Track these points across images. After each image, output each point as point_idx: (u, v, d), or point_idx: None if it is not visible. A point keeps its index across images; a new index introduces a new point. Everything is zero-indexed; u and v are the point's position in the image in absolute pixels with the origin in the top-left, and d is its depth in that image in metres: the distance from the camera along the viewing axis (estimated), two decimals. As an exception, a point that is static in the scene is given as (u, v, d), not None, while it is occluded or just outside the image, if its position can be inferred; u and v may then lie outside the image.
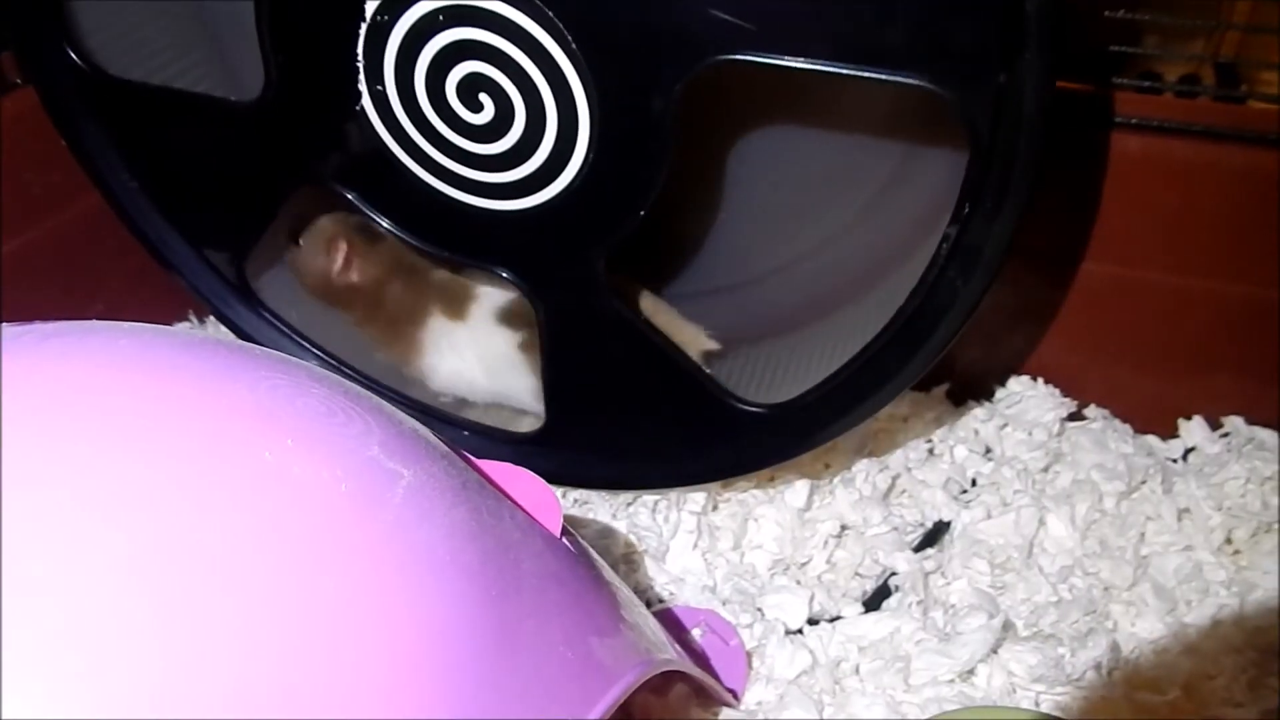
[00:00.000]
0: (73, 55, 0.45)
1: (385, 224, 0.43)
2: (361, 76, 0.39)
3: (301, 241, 0.49)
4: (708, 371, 0.44)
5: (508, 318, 0.48)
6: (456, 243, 0.43)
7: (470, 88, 0.38)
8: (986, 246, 0.36)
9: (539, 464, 0.46)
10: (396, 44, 0.38)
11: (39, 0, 0.45)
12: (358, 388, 0.27)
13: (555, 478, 0.48)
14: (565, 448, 0.47)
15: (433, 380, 0.50)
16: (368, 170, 0.42)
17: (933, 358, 0.39)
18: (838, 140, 0.47)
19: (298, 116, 0.42)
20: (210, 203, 0.49)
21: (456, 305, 0.48)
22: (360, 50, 0.39)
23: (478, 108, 0.38)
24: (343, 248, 0.48)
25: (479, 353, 0.49)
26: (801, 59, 0.33)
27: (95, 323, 0.24)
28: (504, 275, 0.43)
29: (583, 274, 0.41)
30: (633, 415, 0.46)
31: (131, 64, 0.47)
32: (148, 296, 0.57)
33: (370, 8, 0.38)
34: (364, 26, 0.38)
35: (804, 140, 0.47)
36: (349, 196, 0.43)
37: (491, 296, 0.48)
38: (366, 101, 0.40)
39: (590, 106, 0.36)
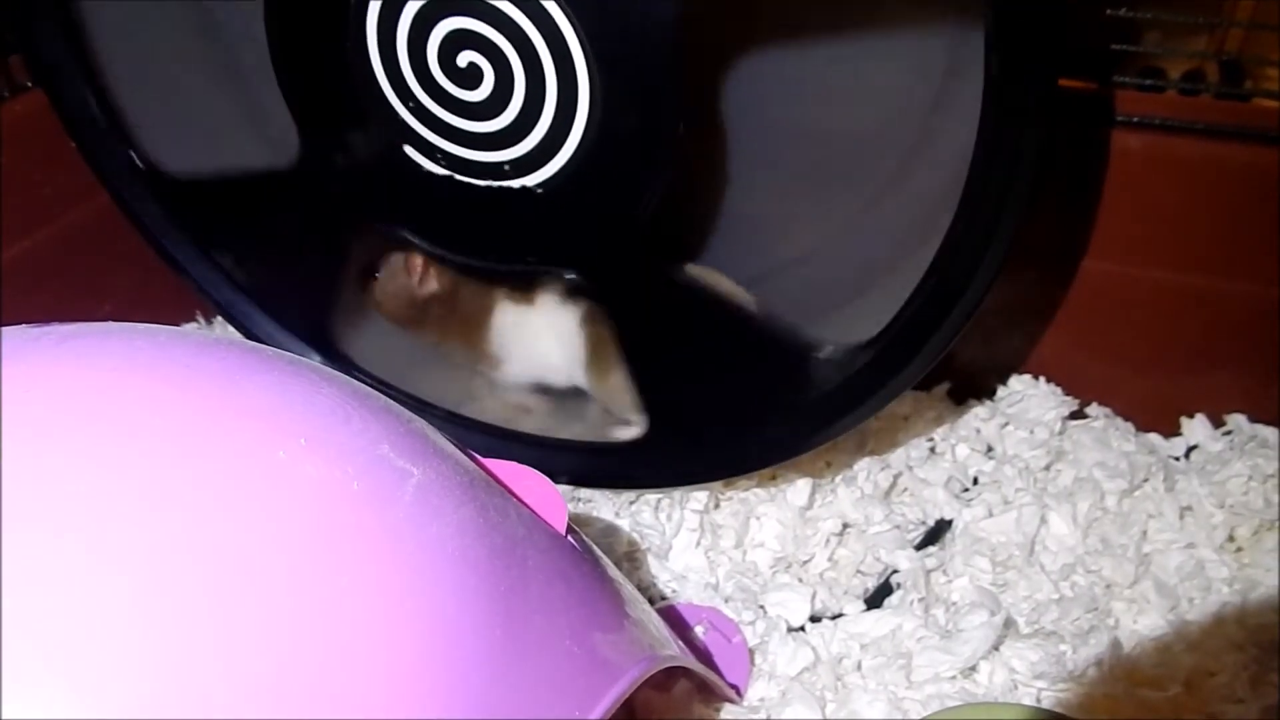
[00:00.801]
0: (134, 157, 0.48)
1: (452, 255, 0.44)
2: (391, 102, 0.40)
3: (379, 274, 0.49)
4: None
5: (571, 294, 0.48)
6: (516, 249, 0.43)
7: (458, 58, 0.38)
8: (989, 244, 0.36)
9: (651, 469, 0.47)
10: (405, 53, 0.39)
11: (104, 110, 0.47)
12: (366, 387, 0.27)
13: (673, 478, 0.48)
14: (671, 445, 0.47)
15: (512, 369, 0.51)
16: (404, 196, 0.43)
17: (935, 356, 0.39)
18: (844, 130, 0.47)
19: (334, 161, 0.43)
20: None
21: (523, 290, 0.49)
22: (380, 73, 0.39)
23: (477, 79, 0.38)
24: (419, 260, 0.48)
25: (554, 332, 0.49)
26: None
27: (111, 324, 0.24)
28: (569, 277, 0.43)
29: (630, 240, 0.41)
30: (727, 387, 0.46)
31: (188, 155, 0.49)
32: (156, 296, 0.58)
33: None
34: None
35: (812, 131, 0.47)
36: (411, 238, 0.44)
37: (554, 275, 0.48)
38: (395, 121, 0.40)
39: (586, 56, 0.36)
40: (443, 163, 0.41)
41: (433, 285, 0.49)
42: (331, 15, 0.39)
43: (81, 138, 0.49)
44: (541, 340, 0.49)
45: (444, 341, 0.51)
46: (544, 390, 0.52)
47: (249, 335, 0.53)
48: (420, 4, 0.37)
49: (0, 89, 0.52)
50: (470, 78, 0.38)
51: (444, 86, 0.39)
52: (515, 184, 0.41)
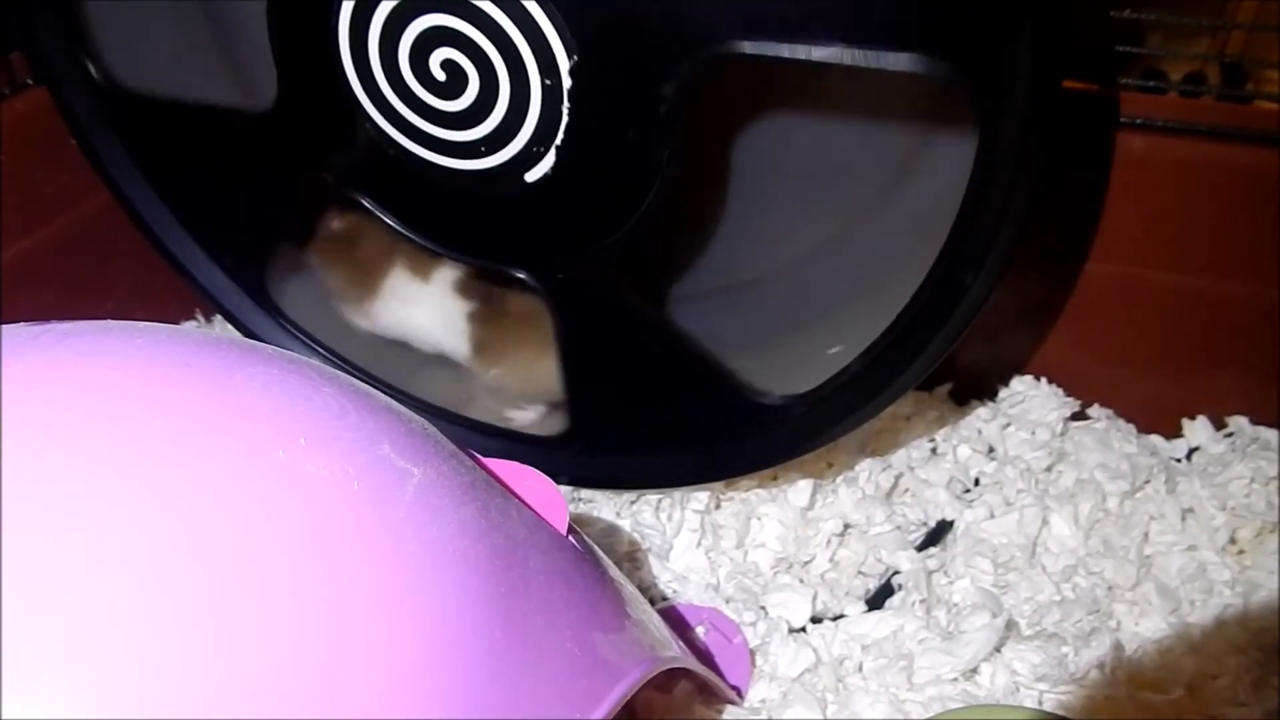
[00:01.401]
0: (90, 67, 0.46)
1: (401, 227, 0.44)
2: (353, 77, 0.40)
3: None
4: (728, 366, 0.44)
5: (463, 288, 0.50)
6: (471, 243, 0.43)
7: (447, 65, 0.38)
8: (992, 245, 0.36)
9: (564, 465, 0.47)
10: (378, 31, 0.38)
11: (56, 11, 0.45)
12: (367, 386, 0.27)
13: (580, 480, 0.49)
14: (590, 448, 0.48)
15: (378, 322, 0.52)
16: (375, 170, 0.42)
17: (938, 357, 0.39)
18: (844, 132, 0.47)
19: (308, 120, 0.43)
20: (230, 210, 0.50)
21: (422, 266, 0.50)
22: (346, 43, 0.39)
23: (460, 88, 0.38)
24: None
25: (433, 311, 0.51)
26: (807, 44, 0.33)
27: (111, 322, 0.24)
28: (521, 277, 0.43)
29: (595, 270, 0.41)
30: (654, 411, 0.46)
31: (147, 76, 0.48)
32: (157, 294, 0.58)
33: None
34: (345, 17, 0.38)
35: (809, 132, 0.47)
36: (364, 202, 0.44)
37: (454, 266, 0.50)
38: (363, 97, 0.40)
39: (572, 94, 0.36)
40: (430, 169, 0.41)
41: (335, 224, 0.50)
42: (318, 18, 0.39)
43: (79, 132, 0.48)
44: (422, 315, 0.50)
45: (329, 275, 0.52)
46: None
47: (248, 334, 0.52)
48: (395, 2, 0.37)
49: (1, 87, 0.52)
50: (454, 83, 0.38)
51: (420, 94, 0.39)
52: (503, 189, 0.41)
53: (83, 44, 0.46)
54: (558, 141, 0.38)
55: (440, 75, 0.38)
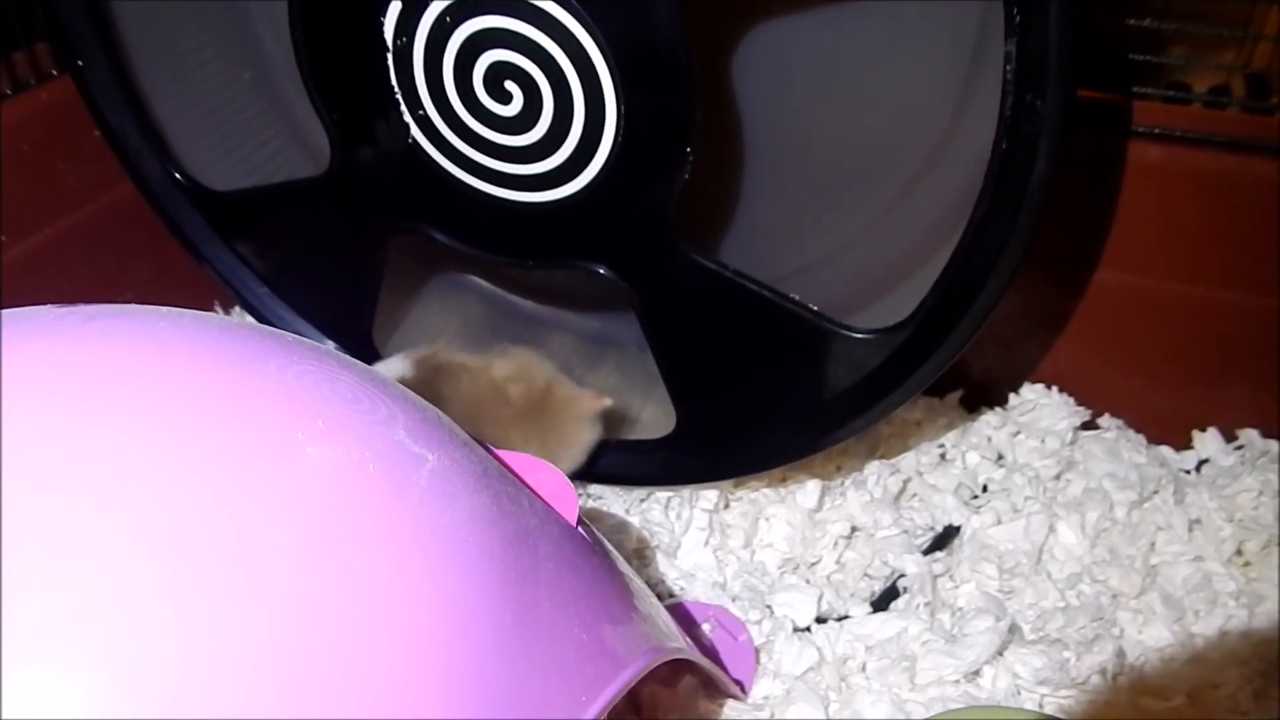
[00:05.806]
0: (176, 175, 0.49)
1: (468, 249, 0.44)
2: (403, 107, 0.41)
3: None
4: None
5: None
6: (539, 249, 0.44)
7: (495, 79, 0.39)
8: (1004, 248, 0.36)
9: (681, 466, 0.47)
10: (421, 59, 0.39)
11: (143, 128, 0.49)
12: (383, 375, 0.27)
13: (698, 474, 0.48)
14: (701, 441, 0.47)
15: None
16: (437, 200, 0.43)
17: (947, 361, 0.39)
18: (860, 136, 0.47)
19: (365, 169, 0.44)
20: (328, 279, 0.51)
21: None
22: (394, 80, 0.40)
23: (507, 98, 0.39)
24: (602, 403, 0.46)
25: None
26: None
27: (135, 306, 0.25)
28: (600, 271, 0.43)
29: (659, 234, 0.41)
30: (756, 380, 0.45)
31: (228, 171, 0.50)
32: (175, 285, 0.58)
33: (389, 34, 0.39)
34: (390, 56, 0.39)
35: (829, 133, 0.47)
36: (433, 234, 0.44)
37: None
38: (415, 132, 0.41)
39: (602, 51, 0.37)
40: (475, 172, 0.42)
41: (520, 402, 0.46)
42: (359, 29, 0.40)
43: (110, 135, 0.49)
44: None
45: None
46: None
47: (266, 324, 0.53)
48: (440, 9, 0.38)
49: (26, 76, 0.52)
50: (501, 96, 0.39)
51: (486, 106, 0.40)
52: (543, 196, 0.41)
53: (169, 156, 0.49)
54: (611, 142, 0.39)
55: (494, 82, 0.39)
